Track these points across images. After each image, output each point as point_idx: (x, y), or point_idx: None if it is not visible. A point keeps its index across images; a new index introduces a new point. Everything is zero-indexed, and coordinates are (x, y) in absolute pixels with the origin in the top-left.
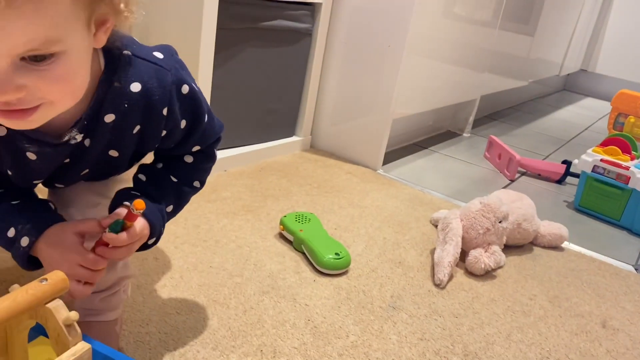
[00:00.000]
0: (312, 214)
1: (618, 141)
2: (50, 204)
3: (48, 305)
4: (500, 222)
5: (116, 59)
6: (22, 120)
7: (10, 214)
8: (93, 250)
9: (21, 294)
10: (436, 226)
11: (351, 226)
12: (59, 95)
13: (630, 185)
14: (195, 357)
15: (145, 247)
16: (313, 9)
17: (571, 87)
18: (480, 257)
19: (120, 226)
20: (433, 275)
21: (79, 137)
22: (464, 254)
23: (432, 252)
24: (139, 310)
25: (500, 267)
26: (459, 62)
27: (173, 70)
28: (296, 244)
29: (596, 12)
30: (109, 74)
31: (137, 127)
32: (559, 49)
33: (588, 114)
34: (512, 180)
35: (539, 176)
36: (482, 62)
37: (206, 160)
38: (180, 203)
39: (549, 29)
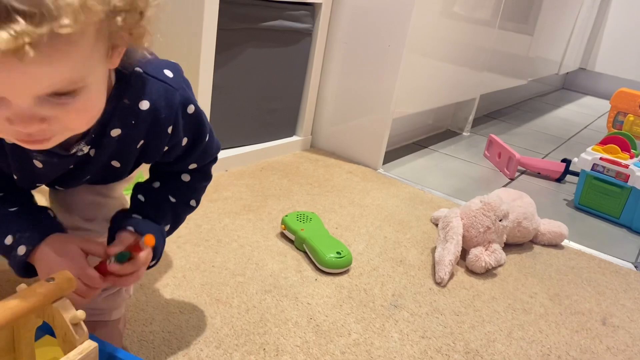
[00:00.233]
0: (313, 213)
1: (617, 139)
2: (50, 211)
3: (55, 304)
4: (500, 220)
5: (127, 76)
6: (40, 145)
7: (8, 220)
8: (96, 268)
9: (29, 294)
10: (437, 225)
11: (352, 225)
12: (78, 124)
13: (630, 183)
14: (198, 355)
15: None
16: (313, 9)
17: (570, 85)
18: (481, 256)
19: (126, 258)
20: (434, 273)
21: (86, 149)
22: (464, 253)
23: (433, 250)
24: (143, 310)
25: (500, 265)
26: (459, 61)
27: (181, 90)
28: (297, 243)
29: (595, 10)
30: (120, 90)
31: (141, 142)
32: (558, 48)
33: (587, 112)
34: (512, 179)
35: (538, 175)
36: (482, 61)
37: (203, 179)
38: (176, 222)
39: (548, 28)
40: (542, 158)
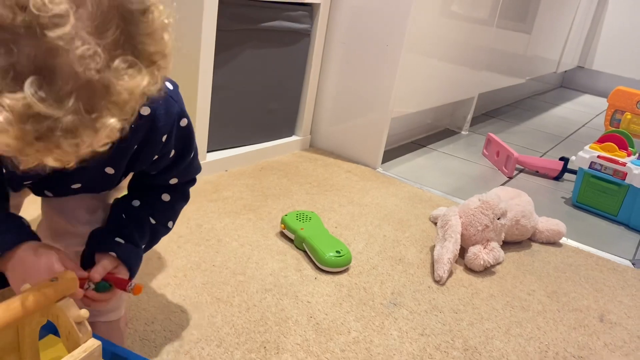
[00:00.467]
0: (312, 213)
1: (615, 137)
2: (24, 220)
3: (59, 303)
4: (498, 218)
5: None
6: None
7: None
8: None
9: (33, 293)
10: (435, 223)
11: (351, 224)
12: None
13: (627, 181)
14: (200, 354)
15: None
16: (311, 9)
17: (568, 84)
18: (479, 254)
19: (106, 289)
20: (433, 271)
21: None
22: (463, 251)
23: (432, 249)
24: (144, 309)
25: (499, 263)
26: (457, 60)
27: (180, 102)
28: (297, 242)
29: (592, 8)
30: None
31: (135, 147)
32: (556, 46)
33: (585, 110)
34: (510, 178)
35: (536, 173)
36: (480, 60)
37: (181, 199)
38: (152, 243)
39: (546, 26)
40: (541, 156)
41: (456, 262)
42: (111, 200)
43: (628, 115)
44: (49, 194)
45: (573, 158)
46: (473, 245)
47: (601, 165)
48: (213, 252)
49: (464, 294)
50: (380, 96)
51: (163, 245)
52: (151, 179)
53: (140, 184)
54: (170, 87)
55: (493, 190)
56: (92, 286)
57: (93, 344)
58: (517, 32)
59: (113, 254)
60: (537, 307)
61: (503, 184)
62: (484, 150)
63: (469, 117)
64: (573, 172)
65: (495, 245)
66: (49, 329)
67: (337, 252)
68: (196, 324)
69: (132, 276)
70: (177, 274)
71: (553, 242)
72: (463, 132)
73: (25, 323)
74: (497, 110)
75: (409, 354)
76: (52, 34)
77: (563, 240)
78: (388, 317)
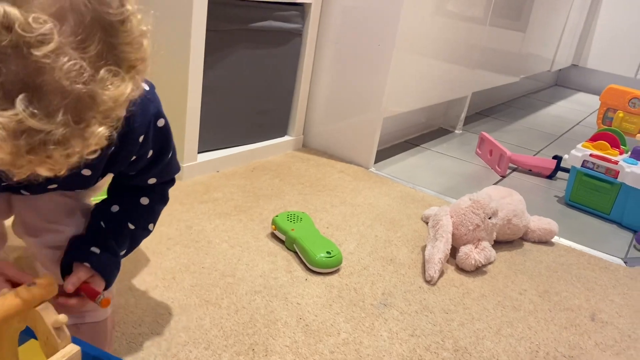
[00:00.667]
0: (303, 213)
1: (607, 136)
2: None
3: (37, 308)
4: (489, 218)
5: None
6: None
7: None
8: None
9: (10, 298)
10: (427, 223)
11: (343, 224)
12: None
13: (619, 179)
14: (187, 357)
15: None
16: (303, 9)
17: (563, 82)
18: (471, 253)
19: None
20: (424, 271)
21: None
22: (454, 251)
23: (424, 249)
24: (132, 312)
25: (490, 263)
26: (450, 59)
27: (156, 102)
28: (288, 243)
29: (587, 6)
30: None
31: (112, 149)
32: (550, 45)
33: (579, 109)
34: (504, 177)
35: (530, 172)
36: (473, 58)
37: (160, 201)
38: (132, 247)
39: (540, 25)
40: (534, 155)
41: (447, 262)
42: (87, 200)
43: (620, 114)
44: (26, 193)
45: (566, 157)
46: (464, 244)
47: (593, 163)
48: (202, 254)
49: (455, 294)
50: (372, 96)
51: (152, 247)
52: (130, 180)
53: (119, 186)
54: (147, 87)
55: (484, 190)
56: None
57: (72, 349)
58: (511, 31)
59: (87, 264)
60: (528, 306)
61: (496, 183)
62: (477, 149)
63: (463, 116)
64: (566, 170)
65: (486, 244)
66: (30, 333)
67: (328, 252)
68: (184, 327)
69: (108, 286)
70: (166, 276)
71: (545, 241)
72: (456, 131)
73: (2, 329)
74: (491, 109)
75: (399, 355)
76: (39, 52)
77: (555, 239)
78: (378, 318)
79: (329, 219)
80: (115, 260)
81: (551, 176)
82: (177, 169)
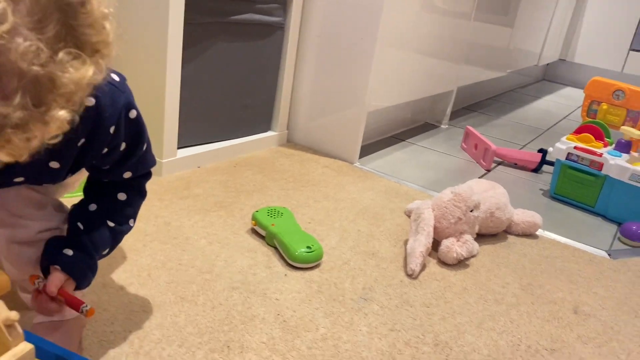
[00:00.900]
0: (284, 208)
1: (591, 128)
2: None
3: None
4: (471, 211)
5: None
6: None
7: None
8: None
9: None
10: (410, 217)
11: (326, 219)
12: None
13: (604, 171)
14: (160, 354)
15: None
16: (285, 2)
17: (550, 76)
18: (453, 247)
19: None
20: (406, 265)
21: None
22: (436, 244)
23: (406, 243)
24: (105, 309)
25: (473, 256)
26: (435, 53)
27: (127, 93)
28: (268, 239)
29: (574, 0)
30: None
31: (82, 140)
32: (537, 39)
33: (567, 103)
34: (489, 170)
35: (515, 165)
36: (459, 53)
37: (138, 195)
38: (115, 243)
39: (527, 19)
40: (520, 149)
41: (429, 255)
42: (58, 196)
43: (604, 106)
44: None
45: (551, 150)
46: (446, 238)
47: (578, 156)
48: (180, 251)
49: (437, 288)
50: (356, 90)
51: (128, 243)
52: (105, 175)
53: (95, 184)
54: (117, 78)
55: (466, 183)
56: (42, 284)
57: (24, 348)
58: (497, 25)
59: (58, 267)
60: (510, 300)
61: (481, 177)
62: (462, 144)
63: (448, 110)
64: (551, 164)
65: (468, 237)
66: None
67: (308, 247)
68: (158, 324)
69: (79, 287)
70: (142, 273)
71: (529, 234)
72: (442, 126)
73: None
74: (478, 103)
75: (378, 350)
76: None
77: (540, 232)
78: (358, 312)
79: (311, 214)
80: (90, 261)
81: (536, 170)
82: (153, 162)
